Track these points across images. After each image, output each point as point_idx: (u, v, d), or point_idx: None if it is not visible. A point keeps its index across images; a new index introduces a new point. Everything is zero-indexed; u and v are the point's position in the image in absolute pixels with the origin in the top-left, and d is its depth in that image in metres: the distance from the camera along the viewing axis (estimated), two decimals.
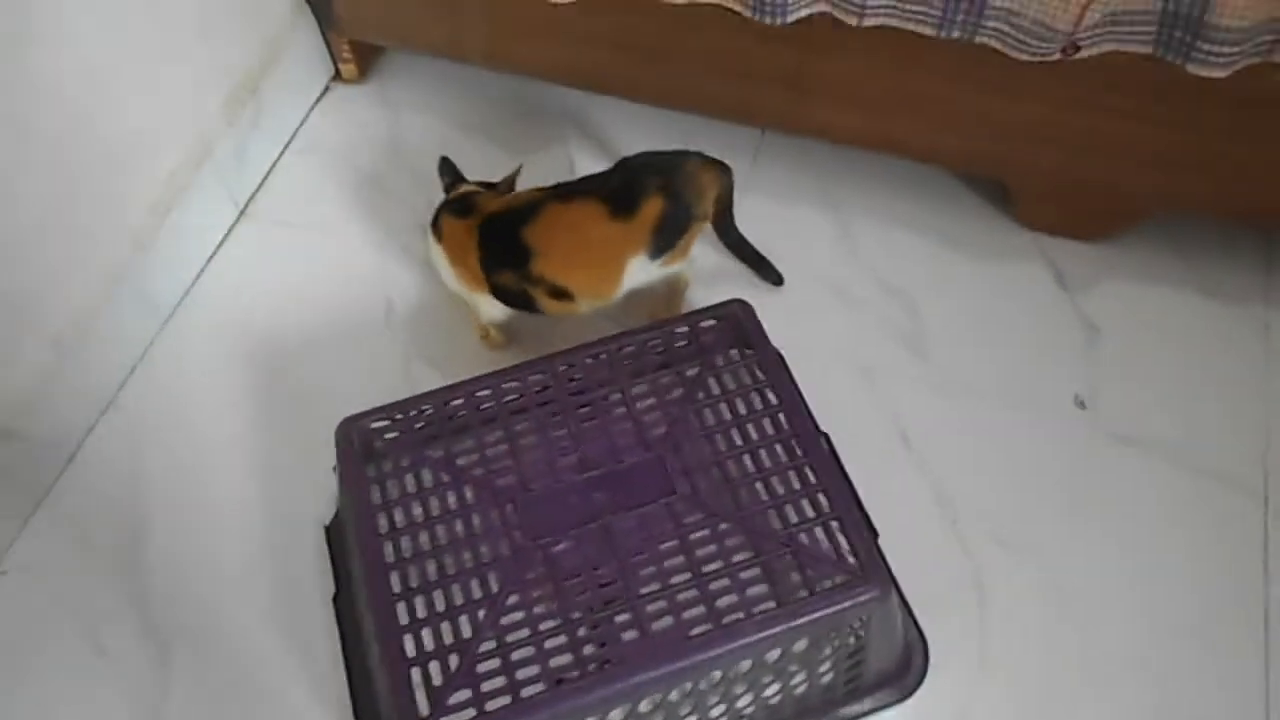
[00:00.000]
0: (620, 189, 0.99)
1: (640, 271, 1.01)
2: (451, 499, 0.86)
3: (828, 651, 0.83)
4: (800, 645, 0.81)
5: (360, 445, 0.89)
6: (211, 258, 1.23)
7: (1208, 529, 1.00)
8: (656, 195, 0.98)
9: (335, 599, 0.97)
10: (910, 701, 0.91)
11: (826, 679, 0.86)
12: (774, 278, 1.16)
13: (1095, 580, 0.97)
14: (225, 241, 1.25)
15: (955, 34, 1.00)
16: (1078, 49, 0.96)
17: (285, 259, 1.24)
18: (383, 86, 1.41)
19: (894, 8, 1.00)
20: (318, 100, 1.38)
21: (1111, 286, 1.16)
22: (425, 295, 1.19)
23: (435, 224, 1.08)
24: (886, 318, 1.16)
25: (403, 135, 1.35)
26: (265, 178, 1.30)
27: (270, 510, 1.05)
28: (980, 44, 0.99)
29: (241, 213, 1.27)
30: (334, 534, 1.00)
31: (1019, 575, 0.98)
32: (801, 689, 0.85)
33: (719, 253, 1.19)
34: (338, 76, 1.40)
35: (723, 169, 1.05)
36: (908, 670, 0.91)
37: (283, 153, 1.33)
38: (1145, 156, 1.07)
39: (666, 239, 1.00)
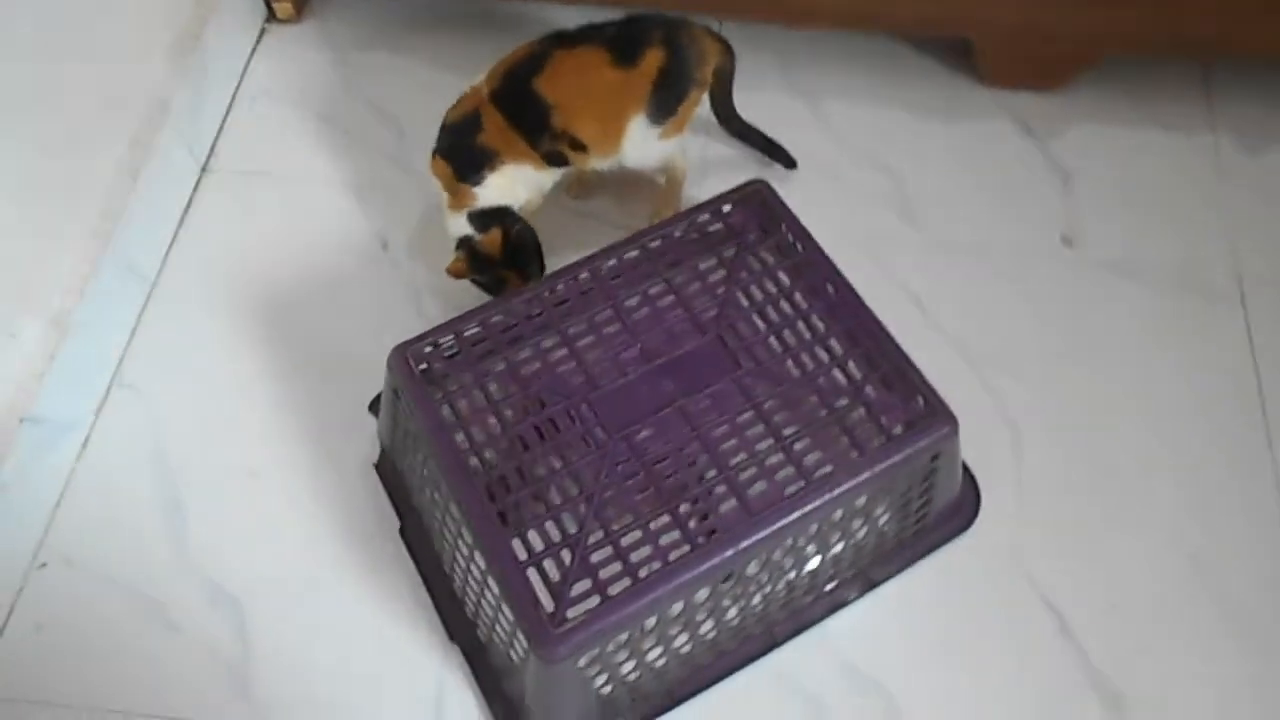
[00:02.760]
0: (623, 37, 0.98)
1: (639, 136, 1.01)
2: (523, 406, 0.87)
3: (902, 493, 0.88)
4: (884, 489, 0.85)
5: (418, 368, 0.88)
6: (184, 216, 1.18)
7: (1198, 336, 1.09)
8: (659, 47, 0.98)
9: (402, 530, 0.96)
10: (971, 531, 0.97)
11: (897, 522, 0.91)
12: (786, 160, 1.18)
13: (1107, 396, 1.05)
14: (194, 199, 1.19)
15: None
16: None
17: (259, 209, 1.19)
18: (321, 23, 1.35)
19: None
20: (257, 43, 1.32)
21: (1076, 130, 1.23)
22: (417, 229, 1.17)
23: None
24: (874, 191, 1.20)
25: (350, 71, 1.30)
26: (220, 128, 1.25)
27: (307, 459, 1.02)
28: None
29: (204, 167, 1.21)
30: (384, 469, 0.99)
31: (1041, 404, 1.05)
32: (876, 535, 0.90)
33: (723, 142, 1.20)
34: (272, 17, 1.33)
35: (725, 45, 1.06)
36: (964, 504, 0.98)
37: (233, 101, 1.27)
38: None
39: (665, 99, 1.00)
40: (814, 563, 0.87)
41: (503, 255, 1.01)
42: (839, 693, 0.90)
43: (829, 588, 0.92)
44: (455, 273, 1.02)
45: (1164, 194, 1.18)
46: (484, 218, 1.01)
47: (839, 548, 0.87)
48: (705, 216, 0.98)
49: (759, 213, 0.97)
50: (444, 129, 1.02)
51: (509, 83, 0.99)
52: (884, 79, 1.28)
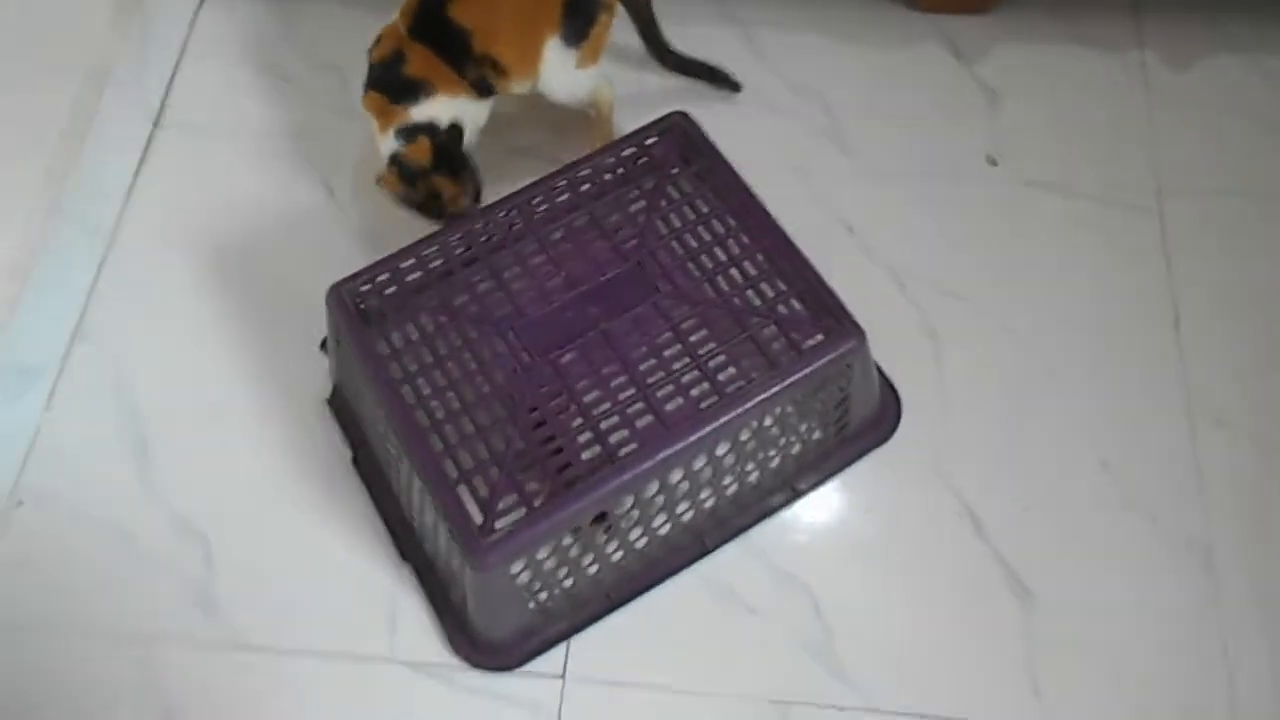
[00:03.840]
0: None
1: (557, 61, 1.04)
2: (455, 337, 0.92)
3: (818, 405, 0.93)
4: (795, 402, 0.90)
5: (354, 305, 0.93)
6: (138, 172, 1.22)
7: (1116, 248, 1.12)
8: None
9: (355, 460, 1.02)
10: (890, 442, 1.02)
11: (818, 433, 0.96)
12: (730, 85, 1.21)
13: (1028, 308, 1.09)
14: (147, 154, 1.23)
15: None
16: None
17: (211, 161, 1.23)
18: None
19: None
20: (201, 2, 1.34)
21: (1003, 52, 1.26)
22: (361, 173, 1.20)
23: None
24: (807, 118, 1.23)
25: (293, 22, 1.33)
26: (169, 85, 1.28)
27: (264, 398, 1.07)
28: None
29: (155, 124, 1.25)
30: (337, 403, 1.05)
31: (964, 318, 1.09)
32: (798, 446, 0.96)
33: (658, 75, 1.23)
34: None
35: None
36: (884, 415, 1.03)
37: (179, 59, 1.30)
38: None
39: (576, 22, 1.03)
40: (735, 473, 0.92)
41: (432, 162, 1.01)
42: (767, 595, 0.96)
43: (755, 497, 0.97)
44: (388, 185, 1.03)
45: (1090, 111, 1.21)
46: (410, 131, 1.02)
47: (760, 458, 0.92)
48: (629, 150, 1.01)
49: (679, 143, 1.01)
50: (372, 67, 1.06)
51: (424, 15, 1.02)
52: (817, 6, 1.30)
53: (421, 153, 1.02)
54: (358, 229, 1.17)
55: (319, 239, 1.17)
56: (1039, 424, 1.04)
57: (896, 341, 1.06)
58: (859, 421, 1.00)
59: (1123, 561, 0.97)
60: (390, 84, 1.04)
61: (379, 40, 1.06)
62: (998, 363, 1.07)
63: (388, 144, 1.04)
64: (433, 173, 1.02)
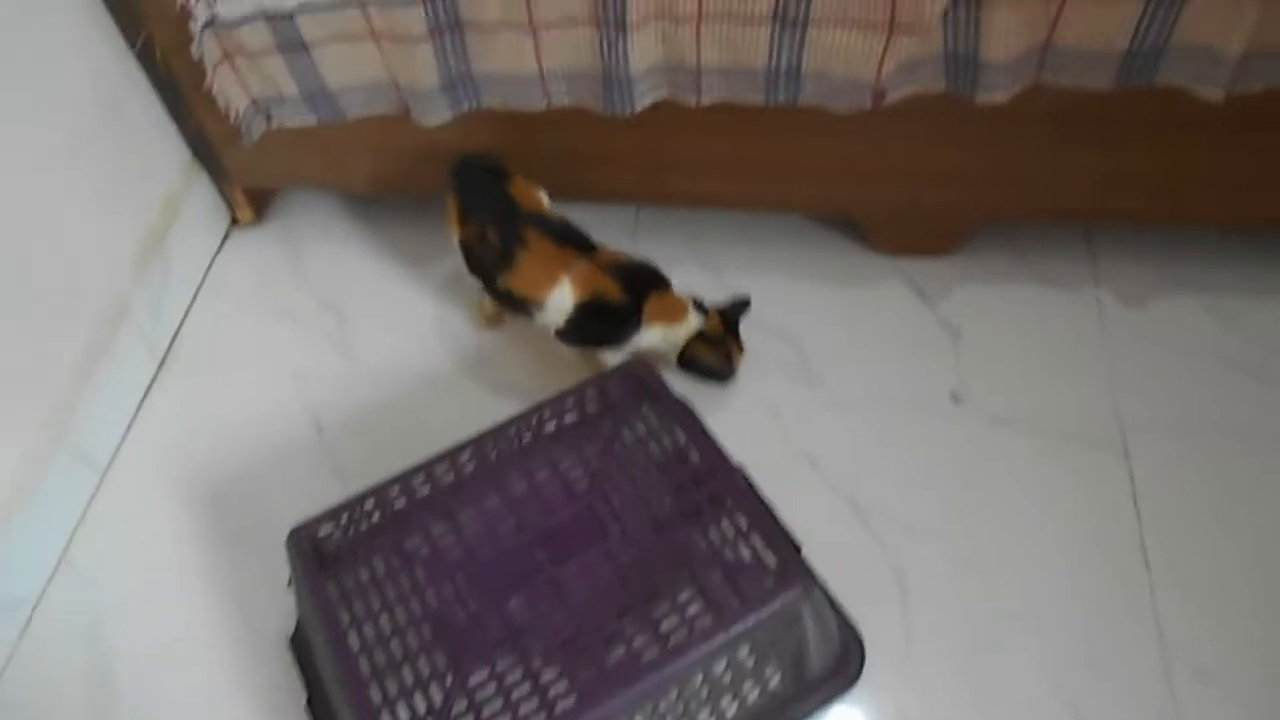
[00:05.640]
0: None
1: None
2: (405, 581, 0.93)
3: (771, 655, 0.92)
4: (744, 652, 0.89)
5: (311, 549, 0.95)
6: (139, 409, 1.29)
7: (1082, 486, 1.12)
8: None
9: (309, 703, 1.01)
10: (854, 690, 0.99)
11: (774, 682, 0.94)
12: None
13: (994, 550, 1.08)
14: (150, 392, 1.31)
15: (781, 98, 1.14)
16: (884, 96, 1.11)
17: (210, 400, 1.30)
18: (281, 223, 1.50)
19: (726, 83, 1.14)
20: (220, 246, 1.47)
21: (965, 291, 1.31)
22: (350, 411, 1.27)
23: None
24: (778, 356, 1.28)
25: (304, 266, 1.44)
26: (180, 326, 1.37)
27: (232, 635, 1.09)
28: (805, 104, 1.14)
29: (161, 364, 1.34)
30: (298, 643, 1.05)
31: (929, 557, 1.08)
32: (754, 696, 0.93)
33: None
34: (235, 221, 1.49)
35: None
36: (848, 662, 1.00)
37: (194, 301, 1.40)
38: (964, 177, 1.22)
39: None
40: None
41: (722, 330, 1.19)
42: None
43: None
44: (700, 352, 1.18)
45: (1050, 349, 1.24)
46: (701, 309, 1.19)
47: (715, 708, 0.90)
48: (590, 392, 1.06)
49: (637, 387, 1.05)
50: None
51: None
52: (787, 250, 1.38)
53: (716, 325, 1.18)
54: (341, 467, 1.21)
55: (304, 476, 1.21)
56: (1007, 669, 1.01)
57: (860, 580, 1.06)
58: (819, 668, 0.97)
59: None
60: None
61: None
62: (964, 604, 1.05)
63: (689, 325, 1.17)
64: (726, 341, 1.19)
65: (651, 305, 1.15)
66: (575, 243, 1.17)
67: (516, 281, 1.16)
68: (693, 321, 1.17)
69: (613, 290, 1.14)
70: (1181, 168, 1.16)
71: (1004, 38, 1.01)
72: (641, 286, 1.16)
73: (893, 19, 1.02)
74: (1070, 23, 1.01)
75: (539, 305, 1.16)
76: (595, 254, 1.17)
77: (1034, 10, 1.00)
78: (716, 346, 1.18)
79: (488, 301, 1.30)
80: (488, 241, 1.17)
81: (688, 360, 1.18)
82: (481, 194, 1.19)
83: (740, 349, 1.20)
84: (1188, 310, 1.25)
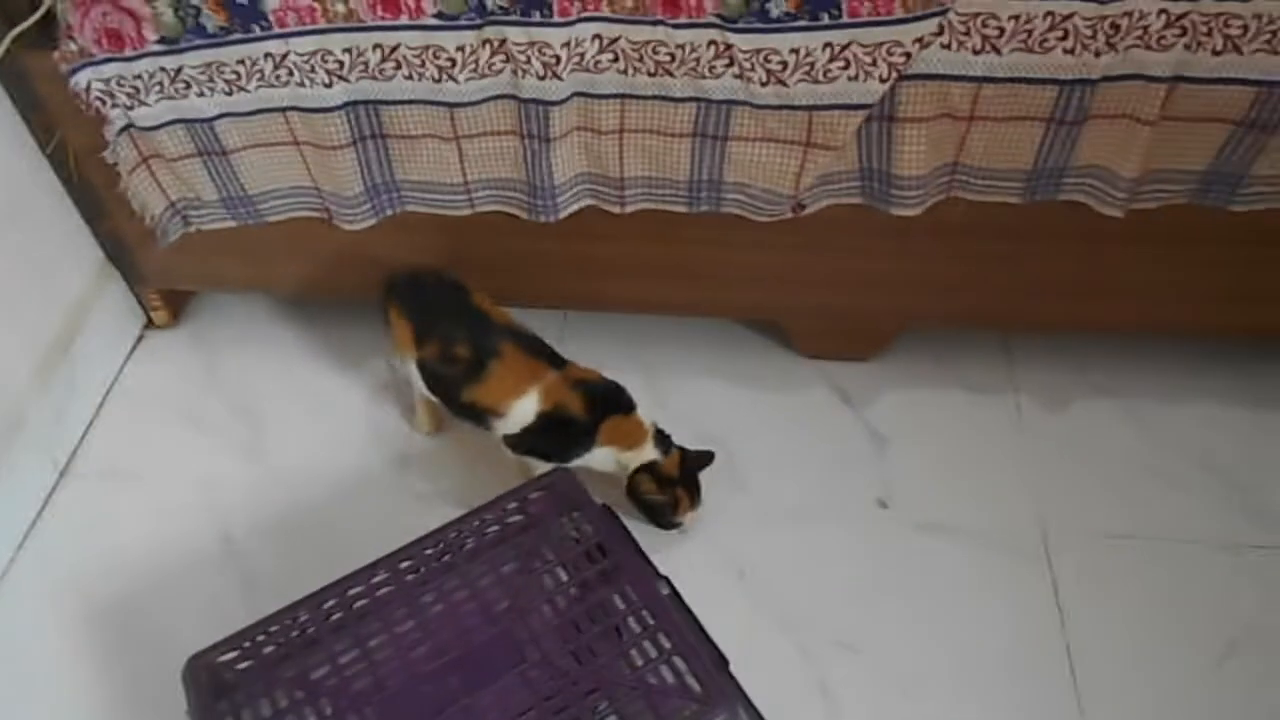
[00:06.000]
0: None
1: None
2: (309, 715, 0.88)
3: None
4: None
5: (209, 681, 0.90)
6: (35, 522, 1.22)
7: (1007, 594, 1.12)
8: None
9: None
10: None
11: None
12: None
13: (921, 659, 1.07)
14: (48, 503, 1.24)
15: (704, 208, 1.16)
16: (803, 207, 1.13)
17: (113, 511, 1.24)
18: (196, 326, 1.46)
19: (649, 193, 1.16)
20: (132, 350, 1.42)
21: (889, 396, 1.32)
22: (261, 521, 1.21)
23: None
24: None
25: (218, 370, 1.40)
26: (84, 434, 1.32)
27: None
28: (726, 212, 1.16)
29: (62, 472, 1.27)
30: None
31: (857, 671, 1.06)
32: None
33: None
34: (150, 324, 1.44)
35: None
36: None
37: (101, 406, 1.35)
38: (883, 284, 1.25)
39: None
40: None
41: (679, 474, 1.14)
42: None
43: None
44: (643, 486, 1.13)
45: (971, 454, 1.25)
46: (666, 444, 1.14)
47: None
48: (512, 505, 1.03)
49: (558, 501, 1.02)
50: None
51: None
52: (715, 353, 1.38)
53: (673, 465, 1.13)
54: (251, 581, 1.16)
55: (210, 591, 1.15)
56: None
57: (788, 696, 1.02)
58: None
59: None
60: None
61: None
62: (891, 717, 1.03)
63: (642, 455, 1.13)
64: (678, 484, 1.13)
65: (608, 426, 1.12)
66: (547, 356, 1.14)
67: (483, 393, 1.12)
68: (648, 451, 1.13)
69: (575, 404, 1.11)
70: (1092, 276, 1.20)
71: (915, 155, 1.04)
72: (604, 406, 1.13)
73: (809, 136, 1.05)
74: (978, 142, 1.04)
75: (500, 415, 1.12)
76: (566, 369, 1.14)
77: (943, 129, 1.03)
78: (663, 486, 1.13)
79: (429, 413, 1.27)
80: (455, 357, 1.12)
81: (630, 489, 1.14)
82: (442, 310, 1.14)
83: (692, 502, 1.15)
84: (1105, 416, 1.28)
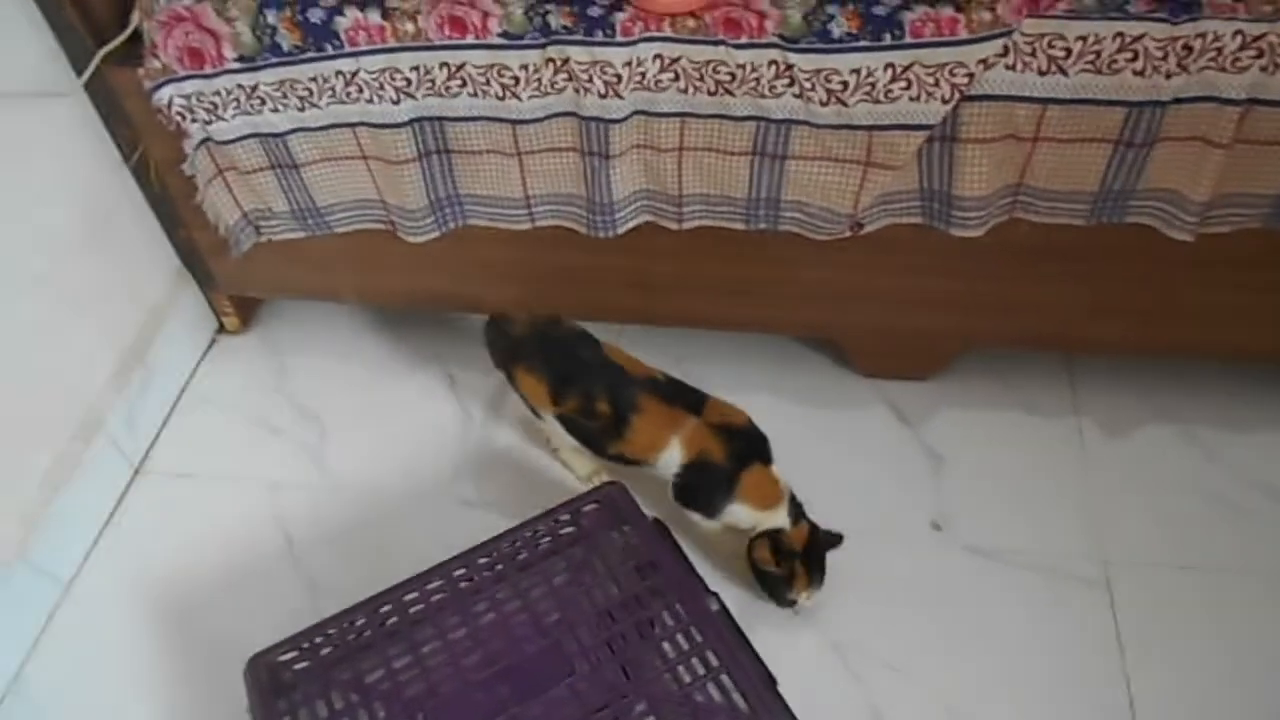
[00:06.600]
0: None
1: None
2: (363, 717, 0.90)
3: None
4: None
5: (269, 680, 0.92)
6: (109, 519, 1.27)
7: (1064, 621, 1.10)
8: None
9: None
10: None
11: None
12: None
13: (975, 688, 1.05)
14: (122, 501, 1.29)
15: (761, 225, 1.16)
16: (861, 226, 1.13)
17: (182, 510, 1.28)
18: (266, 332, 1.50)
19: (706, 210, 1.16)
20: (204, 354, 1.47)
21: (947, 416, 1.30)
22: (321, 525, 1.25)
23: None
24: None
25: (287, 375, 1.44)
26: (157, 435, 1.36)
27: None
28: (784, 230, 1.16)
29: (136, 471, 1.32)
30: None
31: (907, 695, 1.05)
32: None
33: None
34: (222, 329, 1.49)
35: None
36: None
37: (173, 409, 1.40)
38: (943, 304, 1.23)
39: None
40: None
41: (804, 549, 1.07)
42: None
43: None
44: (759, 553, 1.07)
45: (1030, 477, 1.23)
46: (798, 513, 1.09)
47: None
48: (564, 517, 1.04)
49: (610, 514, 1.04)
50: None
51: None
52: (771, 371, 1.38)
53: (799, 538, 1.07)
54: (311, 583, 1.19)
55: (272, 591, 1.19)
56: None
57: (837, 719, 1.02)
58: None
59: None
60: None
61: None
62: None
63: (775, 518, 1.07)
64: (799, 558, 1.06)
65: (749, 477, 1.07)
66: (684, 401, 1.11)
67: (628, 448, 1.11)
68: (779, 517, 1.07)
69: (716, 451, 1.08)
70: (1157, 300, 1.17)
71: (976, 176, 1.03)
72: (746, 453, 1.09)
73: (869, 155, 1.04)
74: (1042, 163, 1.03)
75: (652, 465, 1.11)
76: (706, 411, 1.11)
77: (1007, 150, 1.02)
78: (783, 558, 1.06)
79: (579, 460, 1.25)
80: (596, 413, 1.11)
81: (749, 553, 1.08)
82: (578, 365, 1.13)
83: (809, 581, 1.07)
84: (1168, 442, 1.25)
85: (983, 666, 1.07)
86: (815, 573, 1.08)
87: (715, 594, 1.04)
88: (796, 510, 1.09)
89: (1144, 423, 1.27)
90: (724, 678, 0.90)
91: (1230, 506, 1.18)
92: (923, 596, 1.13)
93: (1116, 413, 1.28)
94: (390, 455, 1.32)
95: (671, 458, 1.09)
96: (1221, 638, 1.07)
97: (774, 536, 1.07)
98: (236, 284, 1.43)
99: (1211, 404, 1.28)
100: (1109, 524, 1.17)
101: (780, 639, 1.04)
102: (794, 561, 1.06)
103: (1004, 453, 1.26)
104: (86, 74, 1.15)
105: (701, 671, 0.91)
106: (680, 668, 0.91)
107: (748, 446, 1.09)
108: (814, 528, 1.09)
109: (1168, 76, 0.94)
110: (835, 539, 1.09)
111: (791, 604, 1.10)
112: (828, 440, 1.30)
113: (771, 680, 1.01)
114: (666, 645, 0.93)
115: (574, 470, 1.27)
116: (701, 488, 1.09)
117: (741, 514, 1.08)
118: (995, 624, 1.10)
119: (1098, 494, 1.20)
